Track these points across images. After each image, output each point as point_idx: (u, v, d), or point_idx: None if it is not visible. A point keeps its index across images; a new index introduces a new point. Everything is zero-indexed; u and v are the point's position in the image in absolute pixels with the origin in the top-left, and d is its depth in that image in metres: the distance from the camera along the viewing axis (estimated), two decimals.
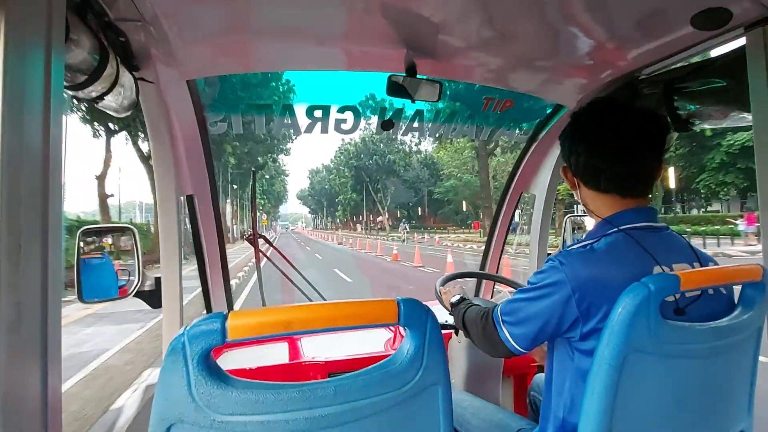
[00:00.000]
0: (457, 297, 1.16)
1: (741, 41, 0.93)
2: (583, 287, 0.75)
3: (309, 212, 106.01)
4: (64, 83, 0.66)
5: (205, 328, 0.51)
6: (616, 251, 0.79)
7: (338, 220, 77.65)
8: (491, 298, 2.09)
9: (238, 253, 18.41)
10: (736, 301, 0.84)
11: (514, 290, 1.59)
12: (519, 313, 0.83)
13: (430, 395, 0.62)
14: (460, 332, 1.39)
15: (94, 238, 1.48)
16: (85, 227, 1.34)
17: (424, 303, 0.62)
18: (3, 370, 0.44)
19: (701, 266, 0.84)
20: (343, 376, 0.57)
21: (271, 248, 1.75)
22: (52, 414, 0.52)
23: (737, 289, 0.84)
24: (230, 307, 1.70)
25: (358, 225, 69.11)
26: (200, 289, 1.59)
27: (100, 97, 0.86)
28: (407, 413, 0.60)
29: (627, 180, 0.85)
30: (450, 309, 1.18)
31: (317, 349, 1.56)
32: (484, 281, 2.07)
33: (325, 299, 1.57)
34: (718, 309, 0.82)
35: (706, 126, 1.14)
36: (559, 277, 0.77)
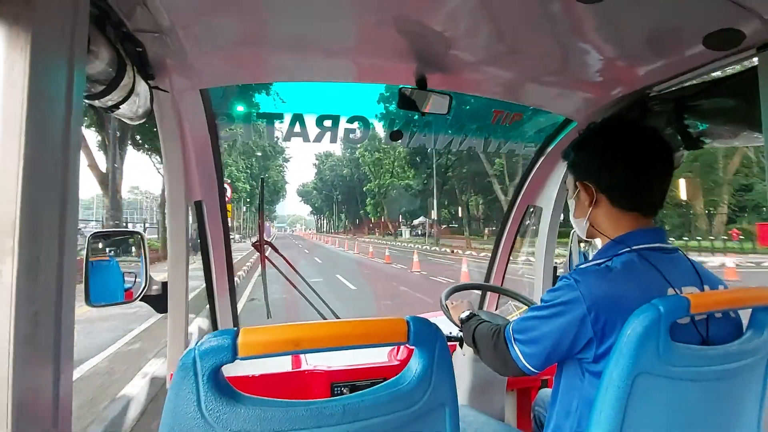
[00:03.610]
0: (467, 313, 1.15)
1: (753, 61, 0.93)
2: (599, 306, 0.74)
3: (310, 213, 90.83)
4: (83, 93, 0.67)
5: (216, 345, 0.52)
6: (632, 271, 0.78)
7: (367, 219, 50.96)
8: (495, 309, 2.08)
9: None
10: (744, 325, 0.83)
11: (518, 302, 1.59)
12: (532, 331, 0.81)
13: (438, 416, 0.62)
14: (465, 345, 1.39)
15: (102, 241, 1.49)
16: (94, 231, 1.35)
17: (432, 321, 0.62)
18: (18, 381, 0.44)
19: (710, 290, 0.83)
20: (351, 395, 0.57)
21: (272, 255, 1.72)
22: (63, 419, 0.52)
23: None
24: (236, 322, 1.71)
25: (404, 228, 43.14)
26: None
27: (116, 106, 0.87)
28: None
29: (658, 198, 0.87)
30: (459, 324, 1.17)
31: (319, 357, 1.56)
32: (488, 293, 2.06)
33: (332, 310, 1.57)
34: (726, 332, 0.82)
35: (717, 144, 1.13)
36: (574, 295, 0.76)
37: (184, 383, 0.51)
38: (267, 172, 42.87)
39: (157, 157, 21.47)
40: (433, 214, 33.05)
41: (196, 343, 0.53)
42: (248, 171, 37.57)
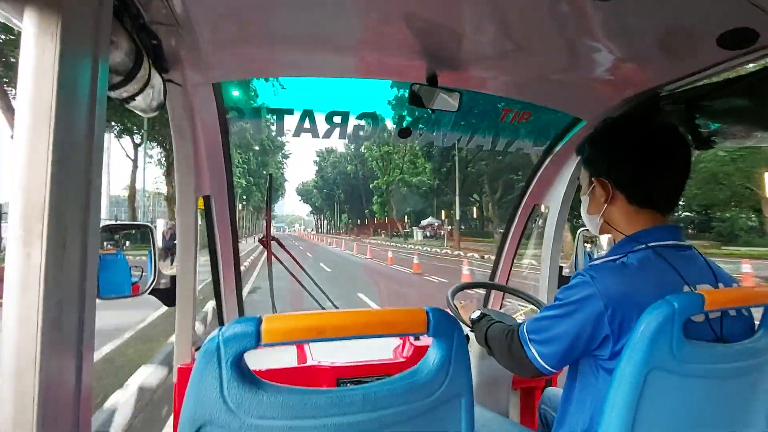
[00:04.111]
0: (477, 313, 1.14)
1: (766, 61, 0.93)
2: (616, 303, 0.74)
3: (310, 212, 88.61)
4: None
5: (240, 331, 0.52)
6: (647, 268, 0.78)
7: (372, 219, 46.55)
8: (500, 308, 2.08)
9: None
10: (756, 323, 0.83)
11: (524, 302, 1.59)
12: (547, 331, 0.81)
13: (454, 406, 0.62)
14: (471, 340, 1.40)
15: (112, 234, 1.50)
16: (104, 224, 1.35)
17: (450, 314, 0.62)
18: (44, 365, 0.45)
19: (725, 287, 0.83)
20: (371, 383, 0.57)
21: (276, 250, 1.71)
22: (84, 405, 0.53)
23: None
24: (241, 314, 1.71)
25: (416, 229, 37.93)
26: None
27: (132, 98, 0.88)
28: (431, 423, 0.61)
29: (674, 195, 0.86)
30: (469, 324, 1.17)
31: (324, 353, 1.56)
32: (493, 291, 2.07)
33: (336, 306, 1.57)
34: (740, 330, 0.82)
35: (729, 145, 1.13)
36: (590, 292, 0.75)
37: (207, 369, 0.52)
38: (265, 168, 39.64)
39: (129, 138, 19.96)
40: (444, 214, 28.91)
41: (219, 329, 0.53)
42: (245, 166, 35.06)
